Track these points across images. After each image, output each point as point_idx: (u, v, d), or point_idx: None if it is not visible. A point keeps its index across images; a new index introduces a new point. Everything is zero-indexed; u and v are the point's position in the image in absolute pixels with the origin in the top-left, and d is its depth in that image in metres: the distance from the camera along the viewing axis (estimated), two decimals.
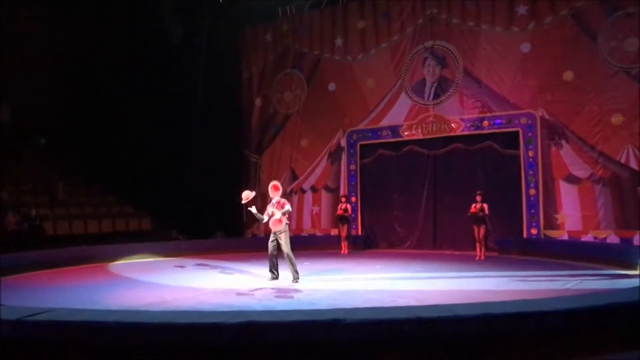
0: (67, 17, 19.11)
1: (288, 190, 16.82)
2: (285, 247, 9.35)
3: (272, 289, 8.93)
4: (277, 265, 9.60)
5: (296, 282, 9.34)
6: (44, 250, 12.57)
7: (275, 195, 9.66)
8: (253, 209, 9.77)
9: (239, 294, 8.49)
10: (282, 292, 8.57)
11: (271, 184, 9.90)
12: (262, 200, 17.86)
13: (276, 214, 9.39)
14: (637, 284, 8.12)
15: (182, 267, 12.31)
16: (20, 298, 7.73)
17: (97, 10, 18.33)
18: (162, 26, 17.29)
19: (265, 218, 9.61)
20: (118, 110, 18.99)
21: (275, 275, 9.61)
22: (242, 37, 18.85)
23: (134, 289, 9.22)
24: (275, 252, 9.49)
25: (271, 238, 9.53)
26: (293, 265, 9.41)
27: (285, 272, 9.61)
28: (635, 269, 9.94)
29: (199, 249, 15.00)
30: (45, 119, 19.59)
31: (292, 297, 8.09)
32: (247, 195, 9.94)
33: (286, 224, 9.50)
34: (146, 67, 17.66)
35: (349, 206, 15.38)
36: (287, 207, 9.50)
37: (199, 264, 12.71)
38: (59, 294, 8.77)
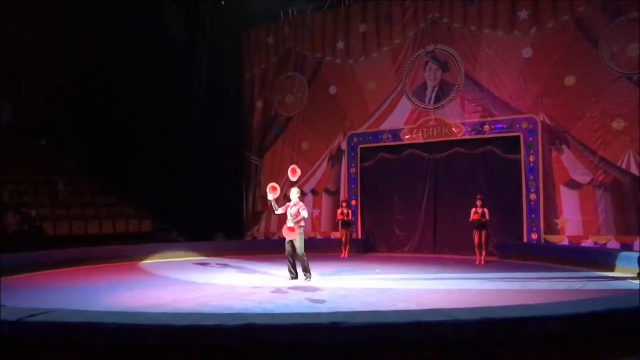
0: (69, 16, 19.13)
1: (288, 193, 16.79)
2: (299, 249, 9.71)
3: (273, 291, 8.92)
4: (295, 264, 9.95)
5: (308, 280, 9.71)
6: (44, 250, 12.57)
7: (292, 179, 10.24)
8: (272, 199, 10.01)
9: (240, 295, 8.48)
10: (282, 295, 8.57)
11: (290, 167, 10.44)
12: (262, 203, 17.96)
13: (289, 222, 9.76)
14: (637, 289, 8.12)
15: (184, 266, 12.30)
16: (20, 299, 7.72)
17: (99, 11, 18.36)
18: (164, 27, 17.28)
19: (281, 210, 9.99)
20: (119, 110, 19.01)
21: (293, 274, 9.95)
22: (244, 39, 18.88)
23: (134, 289, 9.21)
24: (292, 252, 9.83)
25: (287, 239, 9.85)
26: (305, 265, 9.81)
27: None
28: (634, 274, 9.95)
29: (199, 250, 15.03)
30: (46, 118, 19.63)
31: (291, 300, 8.08)
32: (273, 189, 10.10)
33: (301, 226, 9.83)
34: (148, 68, 17.68)
35: (350, 211, 15.36)
36: (303, 214, 9.80)
37: (199, 265, 12.71)
38: (59, 295, 8.76)
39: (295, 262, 9.94)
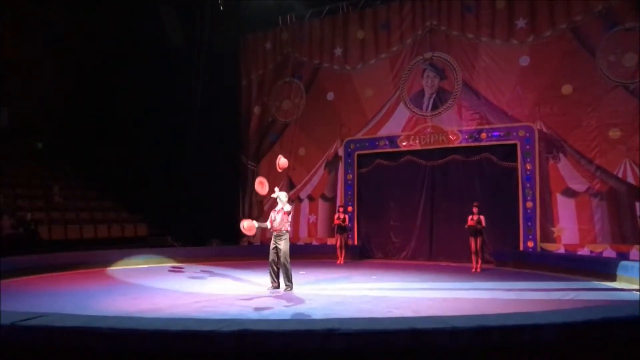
0: (66, 21, 19.11)
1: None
2: (283, 255, 9.27)
3: (268, 297, 8.89)
4: (278, 273, 9.46)
5: (288, 290, 9.33)
6: (39, 254, 12.52)
7: (260, 191, 10.00)
8: (256, 224, 9.71)
9: (235, 301, 8.45)
10: (278, 301, 8.54)
11: (258, 179, 10.14)
12: (258, 209, 17.94)
13: (264, 225, 9.64)
14: (633, 298, 8.12)
15: (178, 273, 12.27)
16: (14, 302, 7.67)
17: (97, 15, 18.34)
18: (161, 31, 17.28)
19: (269, 225, 9.60)
20: (116, 115, 18.98)
21: (276, 284, 9.49)
22: (241, 44, 18.92)
23: (129, 294, 9.18)
24: (276, 260, 9.36)
25: (272, 245, 9.45)
26: (288, 274, 9.38)
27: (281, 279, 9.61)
28: (630, 283, 9.95)
29: (195, 256, 14.97)
30: (42, 122, 19.59)
31: (287, 306, 8.06)
32: (249, 226, 9.63)
33: (287, 231, 9.44)
34: (145, 73, 17.66)
35: (346, 216, 15.36)
36: (286, 227, 9.45)
37: (195, 271, 12.67)
38: (53, 299, 8.73)
39: (278, 270, 9.41)
